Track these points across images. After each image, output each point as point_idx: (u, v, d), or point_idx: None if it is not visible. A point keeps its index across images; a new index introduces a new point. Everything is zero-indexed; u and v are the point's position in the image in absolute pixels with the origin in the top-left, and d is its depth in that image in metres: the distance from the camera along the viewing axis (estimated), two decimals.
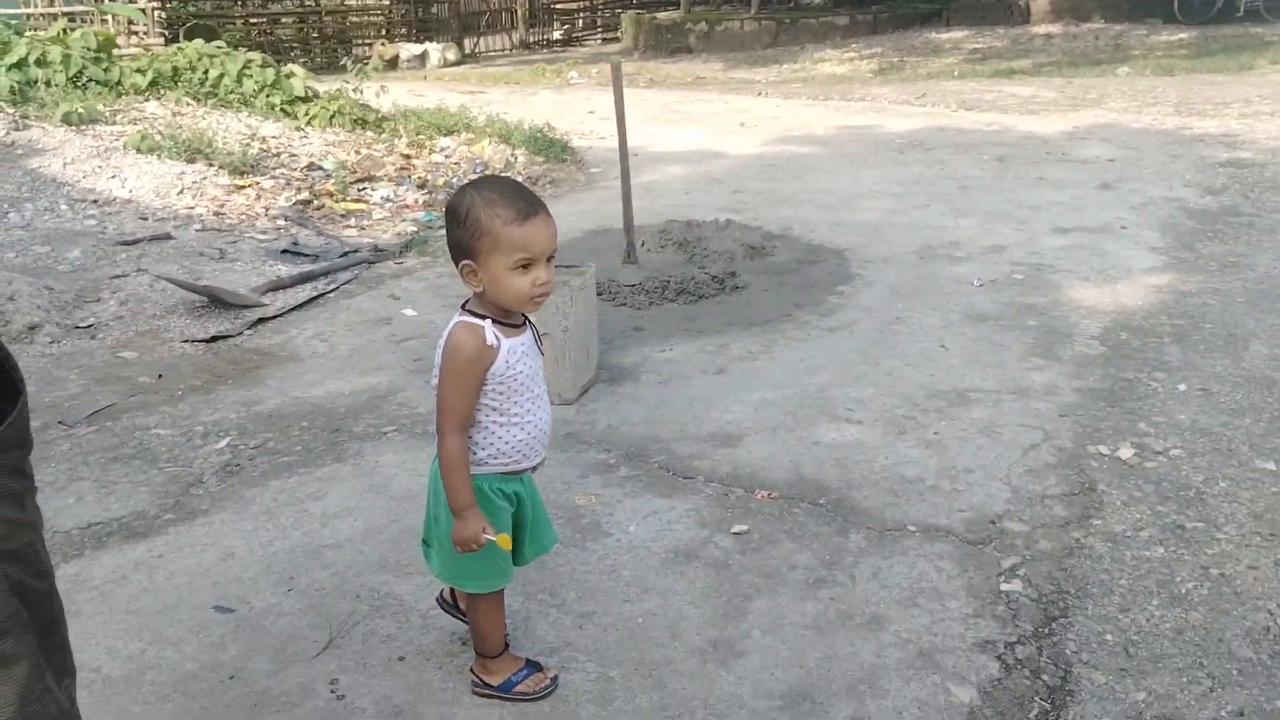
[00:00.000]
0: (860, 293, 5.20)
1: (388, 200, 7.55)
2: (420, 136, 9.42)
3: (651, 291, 5.15)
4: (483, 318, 2.07)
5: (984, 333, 4.58)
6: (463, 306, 2.14)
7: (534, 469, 2.29)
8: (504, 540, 2.12)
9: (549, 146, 9.27)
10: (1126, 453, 3.44)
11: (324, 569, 2.92)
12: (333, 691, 2.43)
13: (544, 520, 2.41)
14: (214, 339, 4.83)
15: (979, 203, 7.02)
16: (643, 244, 5.88)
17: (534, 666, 2.40)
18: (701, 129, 10.85)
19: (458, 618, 2.57)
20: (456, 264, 2.08)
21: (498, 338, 2.06)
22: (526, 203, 1.99)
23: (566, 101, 13.69)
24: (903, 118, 11.08)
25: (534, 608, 2.70)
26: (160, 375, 4.44)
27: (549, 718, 2.32)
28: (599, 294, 5.07)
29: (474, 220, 1.99)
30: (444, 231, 2.15)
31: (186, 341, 4.82)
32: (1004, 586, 2.75)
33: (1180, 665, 2.43)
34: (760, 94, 13.96)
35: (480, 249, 2.00)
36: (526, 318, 2.18)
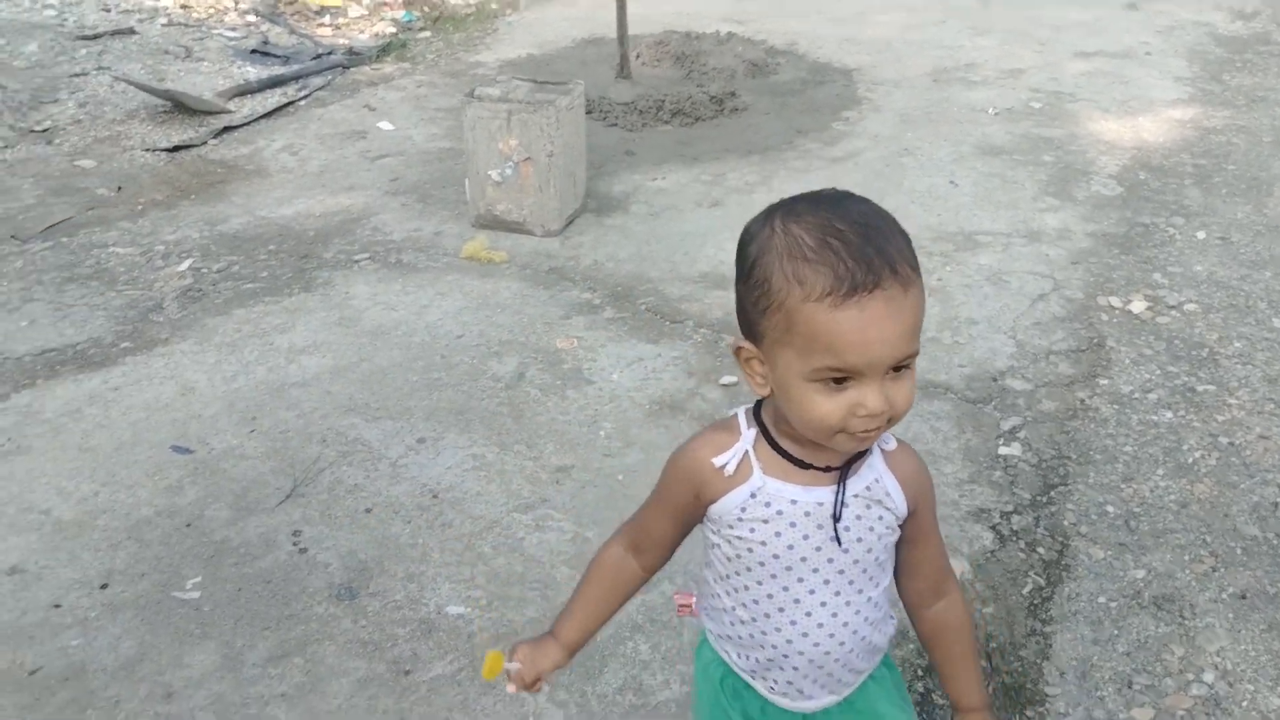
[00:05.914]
0: (868, 119, 4.88)
1: None
2: None
3: (645, 111, 4.83)
4: (755, 424, 1.19)
5: (997, 168, 4.31)
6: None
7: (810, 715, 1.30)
8: (492, 661, 1.26)
9: None
10: (1139, 306, 3.26)
11: (289, 409, 2.77)
12: (295, 544, 2.32)
13: None
14: (177, 149, 4.53)
15: (998, 20, 6.57)
16: (637, 57, 5.50)
17: None
18: None
19: None
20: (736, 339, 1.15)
21: (749, 465, 1.17)
22: (864, 262, 1.01)
23: None
24: None
25: (509, 460, 2.56)
26: (120, 187, 4.16)
27: (522, 580, 2.22)
28: (588, 112, 4.76)
29: (762, 276, 1.05)
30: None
31: (148, 150, 4.52)
32: (1003, 450, 2.62)
33: (1183, 542, 2.33)
34: None
35: (766, 329, 1.07)
36: (850, 462, 1.17)
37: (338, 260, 3.56)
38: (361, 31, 6.41)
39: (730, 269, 3.42)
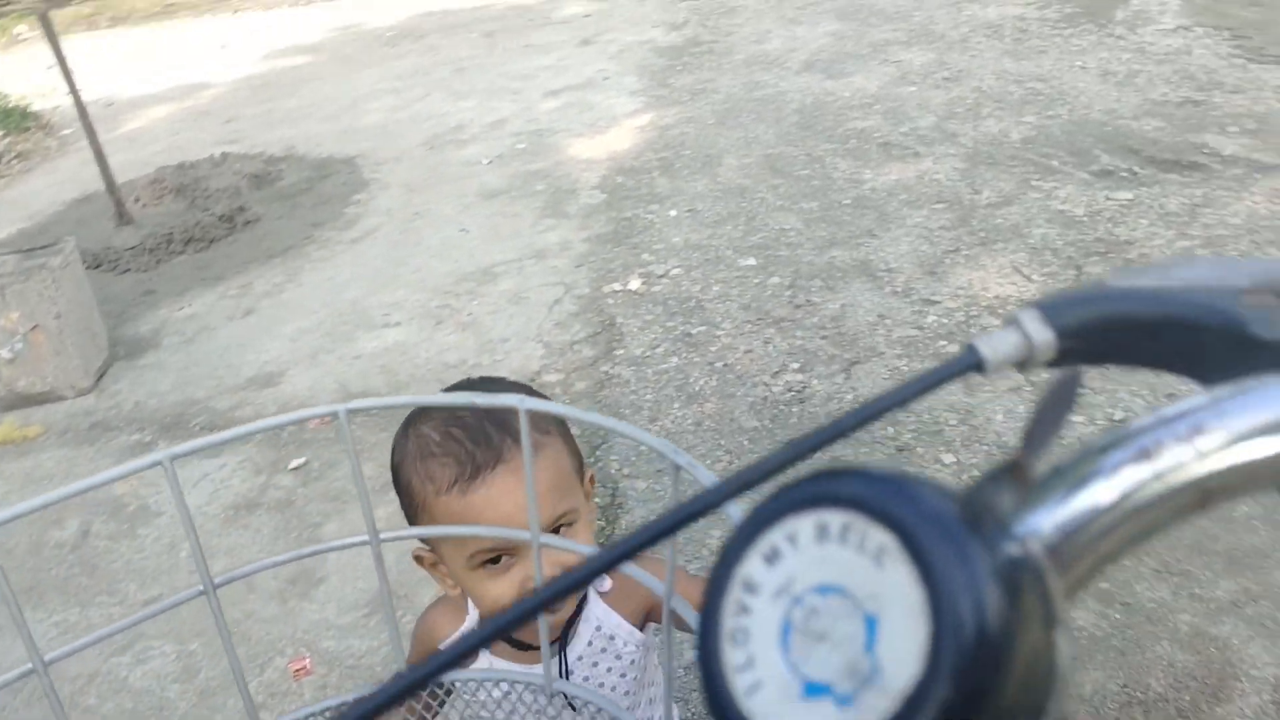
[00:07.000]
0: (377, 197, 5.17)
1: None
2: None
3: (155, 249, 4.79)
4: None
5: (499, 208, 4.75)
6: None
7: None
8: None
9: (6, 117, 8.16)
10: (636, 284, 3.78)
11: None
12: None
13: None
14: None
15: (475, 82, 7.15)
16: (136, 200, 5.43)
17: None
18: (180, 60, 10.02)
19: None
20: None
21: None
22: (483, 442, 1.03)
23: (20, 61, 12.03)
24: (389, 9, 10.89)
25: (93, 614, 2.54)
26: None
27: (134, 713, 2.22)
28: (97, 266, 4.68)
29: (405, 481, 1.07)
30: None
31: None
32: None
33: (703, 450, 2.78)
34: (237, 11, 13.09)
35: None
36: (569, 625, 1.15)
37: None
38: None
39: (277, 365, 3.69)
